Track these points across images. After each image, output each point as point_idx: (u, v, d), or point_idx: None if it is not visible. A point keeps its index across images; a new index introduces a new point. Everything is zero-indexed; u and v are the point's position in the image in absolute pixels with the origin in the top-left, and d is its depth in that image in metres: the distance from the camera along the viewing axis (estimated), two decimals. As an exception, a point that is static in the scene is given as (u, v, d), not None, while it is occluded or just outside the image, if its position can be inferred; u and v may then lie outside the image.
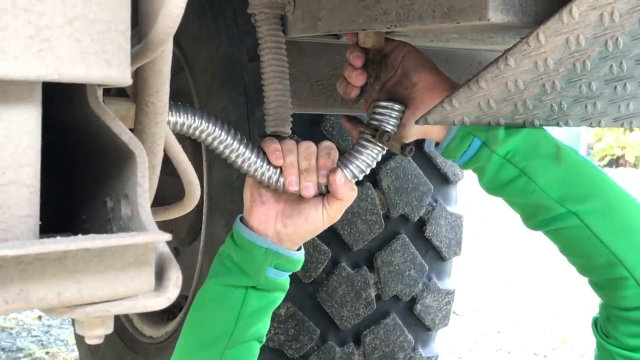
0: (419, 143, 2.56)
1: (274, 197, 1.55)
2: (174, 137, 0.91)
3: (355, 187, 1.54)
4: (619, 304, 1.43)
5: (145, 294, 0.67)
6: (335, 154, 1.53)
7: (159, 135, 0.78)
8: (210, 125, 1.45)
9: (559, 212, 1.42)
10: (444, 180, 2.66)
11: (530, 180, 1.43)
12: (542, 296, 6.36)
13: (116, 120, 0.71)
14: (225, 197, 2.34)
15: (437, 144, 1.52)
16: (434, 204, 2.62)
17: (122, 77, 0.64)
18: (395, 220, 2.53)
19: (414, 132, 1.52)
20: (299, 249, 1.60)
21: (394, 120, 1.52)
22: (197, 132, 1.44)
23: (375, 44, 1.57)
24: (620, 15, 1.29)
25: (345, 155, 1.55)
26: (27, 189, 0.64)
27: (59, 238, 0.59)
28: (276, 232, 1.54)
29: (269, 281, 1.55)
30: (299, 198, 1.54)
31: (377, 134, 1.50)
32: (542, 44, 1.30)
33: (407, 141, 1.53)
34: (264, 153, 1.51)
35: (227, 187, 2.31)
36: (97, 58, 0.61)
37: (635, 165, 22.24)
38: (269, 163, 1.50)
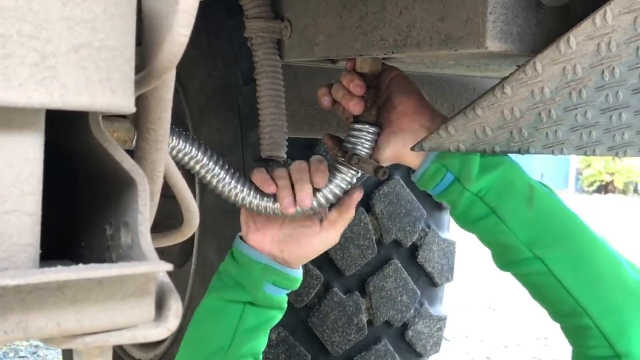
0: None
1: (268, 224, 1.56)
2: (173, 163, 0.90)
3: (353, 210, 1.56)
4: (587, 353, 1.42)
5: (145, 324, 0.66)
6: (325, 163, 1.55)
7: (160, 162, 0.77)
8: (206, 158, 1.46)
9: (526, 256, 1.41)
10: (436, 206, 2.66)
11: (499, 221, 1.42)
12: (532, 322, 6.34)
13: (118, 148, 0.70)
14: (218, 221, 2.33)
15: (413, 171, 1.52)
16: (427, 230, 2.62)
17: (127, 104, 0.64)
18: (387, 245, 2.52)
19: (388, 156, 1.52)
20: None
21: (368, 143, 1.52)
22: (190, 161, 1.45)
23: (372, 69, 1.57)
24: (617, 45, 1.30)
25: None
26: (28, 218, 0.63)
27: (59, 267, 0.59)
28: (273, 256, 1.55)
29: (267, 297, 1.55)
30: (294, 224, 1.54)
31: (347, 156, 1.51)
32: (539, 73, 1.31)
33: (382, 165, 1.53)
34: (254, 184, 1.51)
35: (220, 210, 2.30)
36: (101, 86, 0.61)
37: (624, 192, 22.32)
38: (261, 193, 1.51)
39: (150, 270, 0.64)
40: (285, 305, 1.61)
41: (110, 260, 0.71)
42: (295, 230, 1.55)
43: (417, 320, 2.62)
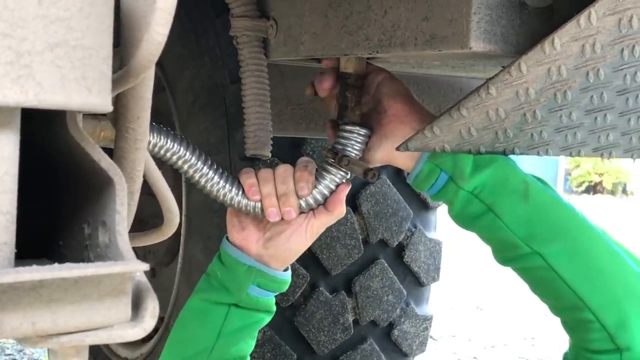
0: (399, 169, 2.56)
1: (253, 223, 1.56)
2: (153, 162, 0.90)
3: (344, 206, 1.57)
4: (587, 346, 1.41)
5: (121, 324, 0.66)
6: (312, 166, 1.54)
7: (139, 162, 0.77)
8: (194, 158, 1.46)
9: (525, 252, 1.41)
10: (423, 206, 2.66)
11: (496, 217, 1.42)
12: (519, 322, 6.36)
13: (95, 147, 0.70)
14: (204, 220, 2.33)
15: (408, 174, 1.52)
16: (413, 230, 2.62)
17: (103, 103, 0.63)
18: (374, 245, 2.52)
19: (379, 158, 1.53)
20: (285, 270, 1.60)
21: (359, 145, 1.52)
22: (177, 160, 1.44)
23: (356, 69, 1.57)
24: (602, 47, 1.30)
25: None
26: (3, 217, 0.62)
27: (34, 267, 0.58)
28: (259, 255, 1.54)
29: (251, 299, 1.55)
30: (279, 222, 1.54)
31: (337, 157, 1.51)
32: (523, 74, 1.31)
33: (372, 166, 1.53)
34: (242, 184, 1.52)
35: (206, 209, 2.30)
36: (77, 85, 0.60)
37: (612, 193, 22.39)
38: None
39: (126, 270, 0.64)
40: (274, 308, 1.60)
41: (88, 260, 0.70)
42: (280, 226, 1.55)
43: (403, 320, 2.62)
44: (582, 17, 1.26)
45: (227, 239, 1.59)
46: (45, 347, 0.64)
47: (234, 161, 2.23)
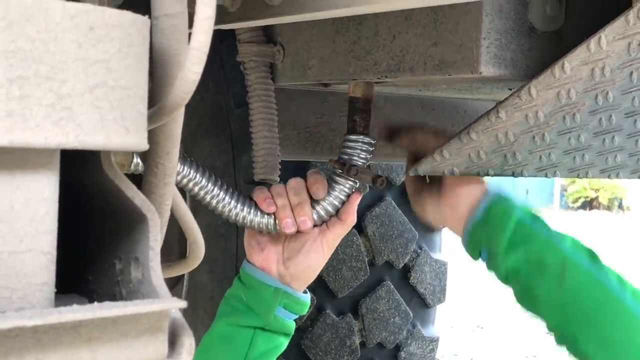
0: (402, 188, 2.57)
1: (271, 243, 1.57)
2: (180, 195, 0.90)
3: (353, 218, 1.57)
4: None
5: (158, 362, 0.66)
6: (322, 174, 1.56)
7: (167, 196, 0.77)
8: (203, 178, 1.46)
9: (557, 334, 1.37)
10: (428, 227, 2.66)
11: (533, 299, 1.39)
12: (520, 340, 6.35)
13: (129, 183, 0.70)
14: (210, 243, 2.32)
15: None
16: (419, 251, 2.62)
17: (140, 142, 0.64)
18: (380, 267, 2.53)
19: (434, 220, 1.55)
20: (304, 292, 1.61)
21: (364, 154, 1.54)
22: (186, 181, 1.45)
23: (365, 93, 1.58)
24: (611, 70, 1.31)
25: None
26: (44, 257, 0.63)
27: (75, 306, 0.59)
28: (281, 275, 1.55)
29: (278, 321, 1.55)
30: (295, 239, 1.55)
31: (345, 168, 1.52)
32: (533, 98, 1.32)
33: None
34: (254, 202, 1.52)
35: (212, 233, 2.30)
36: (116, 125, 0.61)
37: (608, 208, 22.43)
38: (262, 211, 1.51)
39: (164, 308, 0.64)
40: (292, 332, 1.61)
41: (120, 295, 0.71)
42: (297, 243, 1.56)
43: (409, 341, 2.62)
44: (592, 42, 1.27)
45: (247, 261, 1.59)
46: (84, 386, 0.64)
47: (239, 185, 2.23)
